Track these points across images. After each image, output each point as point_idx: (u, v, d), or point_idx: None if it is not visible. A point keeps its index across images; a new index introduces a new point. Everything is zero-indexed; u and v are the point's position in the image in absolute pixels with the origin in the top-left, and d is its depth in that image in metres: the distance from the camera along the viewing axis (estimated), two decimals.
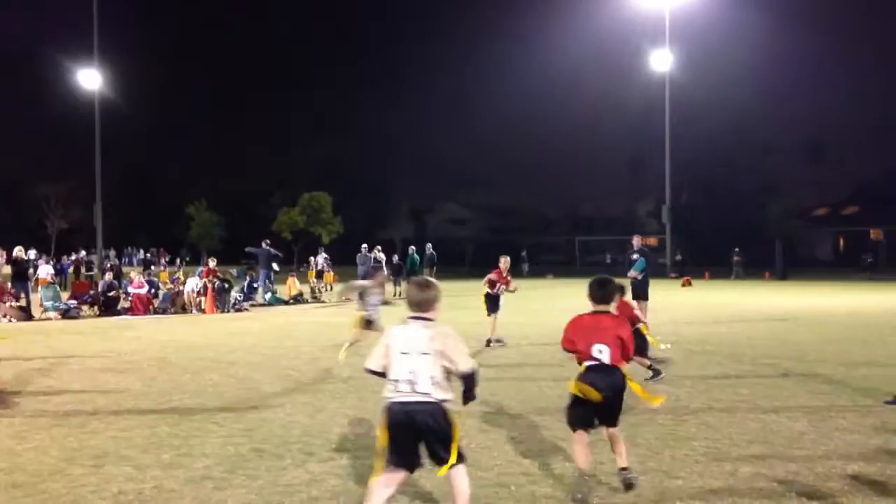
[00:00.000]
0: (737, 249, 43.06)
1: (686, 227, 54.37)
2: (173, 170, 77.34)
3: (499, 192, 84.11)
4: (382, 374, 4.41)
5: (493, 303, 13.23)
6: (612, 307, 5.66)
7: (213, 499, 5.15)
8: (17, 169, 67.67)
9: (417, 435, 4.26)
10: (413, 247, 28.77)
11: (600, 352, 5.19)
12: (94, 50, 32.73)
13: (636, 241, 16.32)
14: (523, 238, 61.40)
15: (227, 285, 22.19)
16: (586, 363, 5.24)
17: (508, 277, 13.39)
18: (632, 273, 15.51)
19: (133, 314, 19.87)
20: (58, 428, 7.18)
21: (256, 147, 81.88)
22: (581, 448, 5.24)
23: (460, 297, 26.19)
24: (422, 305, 4.43)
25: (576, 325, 5.36)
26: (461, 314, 19.34)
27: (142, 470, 5.80)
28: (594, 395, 5.07)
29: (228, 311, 20.87)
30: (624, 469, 5.29)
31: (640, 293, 15.56)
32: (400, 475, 4.38)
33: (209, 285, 20.80)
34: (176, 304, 20.84)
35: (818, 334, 14.47)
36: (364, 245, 26.80)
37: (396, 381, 4.29)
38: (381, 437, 4.35)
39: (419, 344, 4.29)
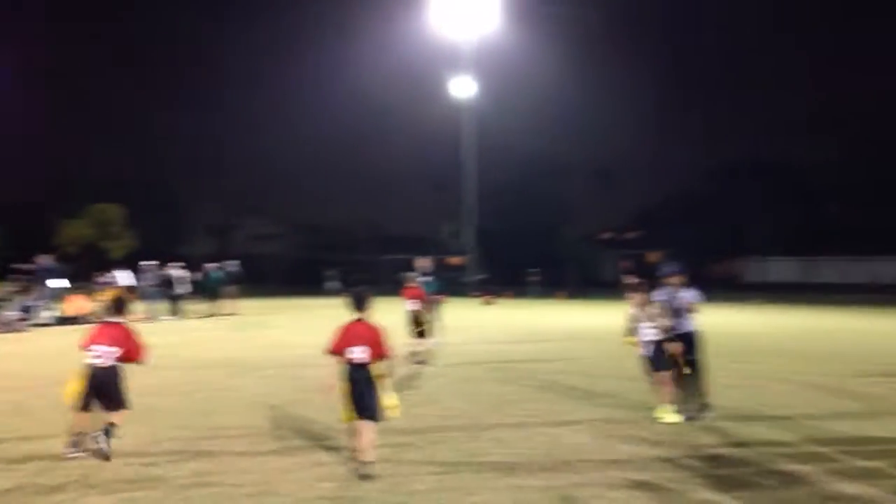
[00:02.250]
0: (533, 270, 45.43)
1: (488, 249, 56.58)
2: None
3: (308, 209, 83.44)
4: None
5: None
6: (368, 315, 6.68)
7: None
8: None
9: None
10: (215, 263, 27.62)
11: (362, 352, 6.35)
12: None
13: (422, 263, 15.49)
14: (333, 256, 61.00)
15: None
16: (347, 363, 6.36)
17: None
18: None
19: None
20: None
21: (37, 153, 75.53)
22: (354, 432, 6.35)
23: (263, 316, 25.56)
24: None
25: (340, 332, 6.47)
26: (262, 333, 18.92)
27: None
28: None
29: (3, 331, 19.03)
30: (366, 463, 6.20)
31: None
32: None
33: None
34: None
35: (600, 350, 15.52)
36: (143, 262, 25.21)
37: None
38: None
39: None
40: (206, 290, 26.88)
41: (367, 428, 6.24)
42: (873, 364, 13.54)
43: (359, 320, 6.53)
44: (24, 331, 19.80)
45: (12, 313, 20.57)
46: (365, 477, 6.08)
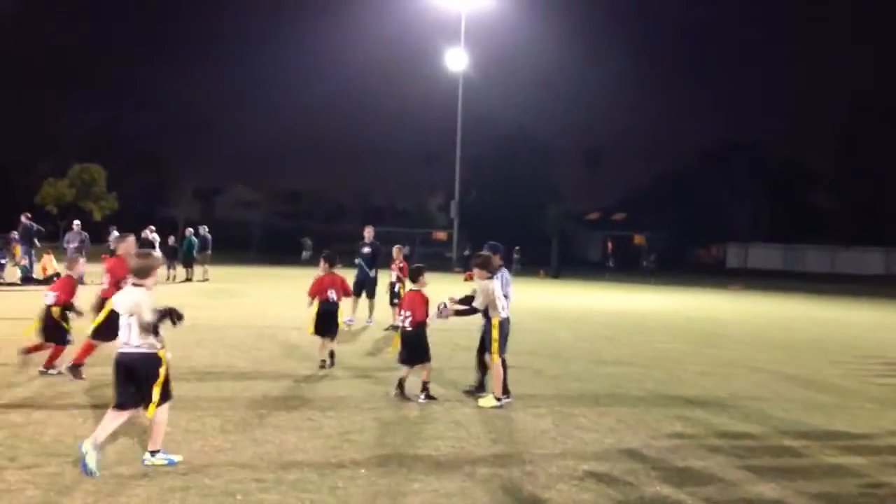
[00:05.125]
0: (517, 247, 44.95)
1: (472, 224, 56.19)
2: None
3: (292, 177, 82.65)
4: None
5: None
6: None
7: None
8: None
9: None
10: (191, 229, 27.14)
11: (334, 293, 9.72)
12: None
13: (368, 232, 14.82)
14: (312, 224, 60.46)
15: None
16: (323, 300, 9.70)
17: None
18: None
19: None
20: None
21: (18, 109, 73.89)
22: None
23: (241, 284, 25.13)
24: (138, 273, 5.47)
25: (318, 280, 9.78)
26: (238, 301, 18.54)
27: None
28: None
29: None
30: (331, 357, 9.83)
31: (369, 290, 14.36)
32: (125, 411, 5.33)
33: None
34: None
35: (574, 332, 15.27)
36: (77, 221, 24.39)
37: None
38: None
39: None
40: (181, 256, 26.44)
41: (329, 343, 9.67)
42: (850, 356, 13.36)
43: (330, 273, 9.85)
44: None
45: None
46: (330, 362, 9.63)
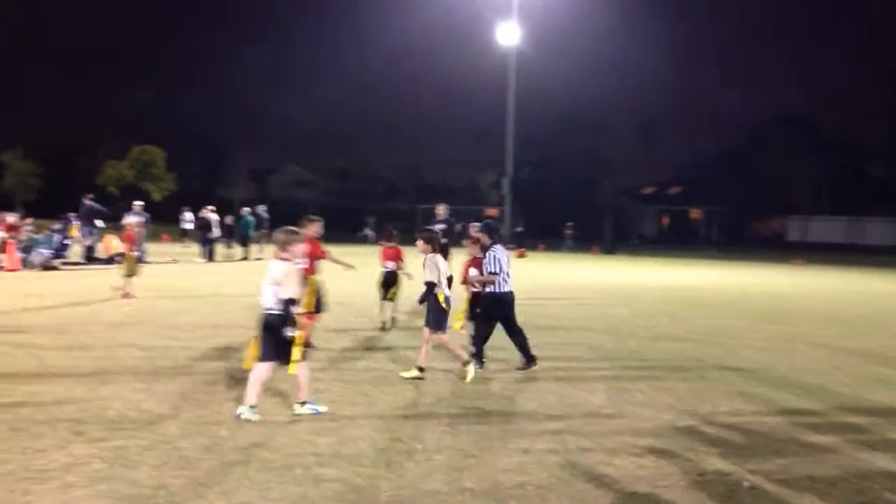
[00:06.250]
0: (570, 223, 44.54)
1: (525, 200, 55.84)
2: None
3: (345, 156, 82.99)
4: None
5: None
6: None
7: None
8: None
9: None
10: (247, 208, 27.62)
11: (392, 264, 11.06)
12: None
13: (441, 209, 15.05)
14: (367, 204, 60.81)
15: (33, 241, 20.44)
16: (384, 268, 11.05)
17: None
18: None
19: None
20: None
21: (82, 94, 75.77)
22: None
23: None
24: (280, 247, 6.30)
25: (381, 252, 11.24)
26: None
27: None
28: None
29: (35, 269, 19.20)
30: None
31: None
32: (270, 365, 6.08)
33: (10, 241, 18.98)
34: None
35: (632, 308, 15.09)
36: (138, 202, 24.54)
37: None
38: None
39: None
40: (238, 235, 26.93)
41: (389, 305, 10.92)
42: None
43: (390, 247, 11.12)
44: (57, 269, 19.95)
45: (46, 251, 20.69)
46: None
